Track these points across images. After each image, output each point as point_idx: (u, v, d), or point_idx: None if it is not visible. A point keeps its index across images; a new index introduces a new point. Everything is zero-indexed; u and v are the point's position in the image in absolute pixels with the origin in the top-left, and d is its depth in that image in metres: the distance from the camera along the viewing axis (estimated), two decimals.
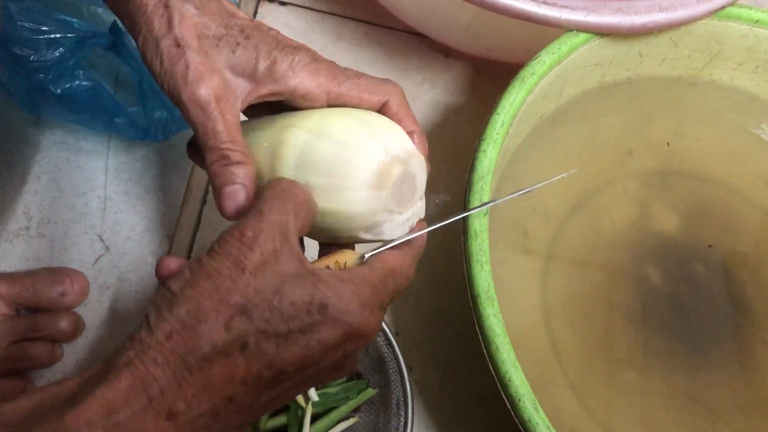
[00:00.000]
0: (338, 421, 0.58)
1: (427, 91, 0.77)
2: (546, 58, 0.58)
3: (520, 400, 0.48)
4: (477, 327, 0.50)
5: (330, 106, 0.40)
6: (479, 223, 0.52)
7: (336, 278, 0.32)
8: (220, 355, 0.29)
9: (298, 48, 0.39)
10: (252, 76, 0.38)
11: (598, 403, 0.58)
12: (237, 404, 0.30)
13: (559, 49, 0.58)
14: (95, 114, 0.54)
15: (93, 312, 0.56)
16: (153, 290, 0.57)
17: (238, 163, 0.36)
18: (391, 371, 0.60)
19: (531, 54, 0.59)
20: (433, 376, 0.65)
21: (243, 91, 0.38)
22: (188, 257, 0.67)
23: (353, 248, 0.40)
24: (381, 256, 0.36)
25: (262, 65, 0.38)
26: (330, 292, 0.32)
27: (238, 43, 0.38)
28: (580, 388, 0.59)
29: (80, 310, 0.55)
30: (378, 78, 0.41)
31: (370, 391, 0.60)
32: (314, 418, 0.57)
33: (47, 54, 0.51)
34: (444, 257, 0.69)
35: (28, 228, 0.57)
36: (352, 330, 0.32)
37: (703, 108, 0.70)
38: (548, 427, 0.47)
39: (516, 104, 0.56)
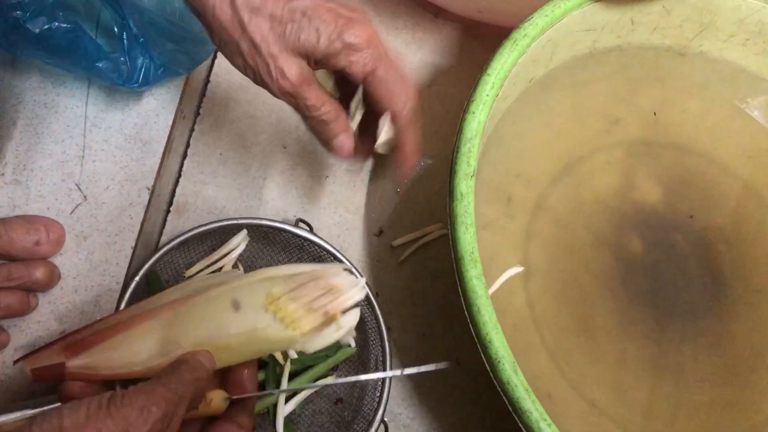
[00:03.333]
0: (316, 379, 0.58)
1: (416, 51, 0.76)
2: (539, 21, 0.57)
3: (499, 361, 0.48)
4: (459, 288, 0.50)
5: (366, 84, 0.48)
6: (465, 185, 0.52)
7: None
8: None
9: (352, 21, 0.45)
10: (313, 55, 0.45)
11: (575, 369, 0.59)
12: None
13: (553, 11, 0.57)
14: (75, 57, 0.52)
15: (69, 262, 0.54)
16: (131, 242, 0.56)
17: (334, 119, 0.47)
18: (370, 331, 0.60)
19: (521, 18, 0.58)
20: (412, 337, 0.65)
21: (322, 50, 0.45)
22: (168, 210, 0.65)
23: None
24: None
25: (322, 48, 0.44)
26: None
27: (301, 28, 0.43)
28: (557, 354, 0.59)
29: (56, 260, 0.54)
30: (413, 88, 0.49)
31: (349, 350, 0.60)
32: (292, 376, 0.57)
33: None
34: (426, 218, 0.68)
35: (2, 174, 0.55)
36: None
37: (691, 79, 0.70)
38: (526, 389, 0.47)
39: (507, 66, 0.55)
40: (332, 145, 0.48)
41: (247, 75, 0.47)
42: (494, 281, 0.59)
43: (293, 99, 0.46)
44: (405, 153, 0.51)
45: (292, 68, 0.44)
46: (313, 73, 0.46)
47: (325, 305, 0.43)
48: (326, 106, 0.47)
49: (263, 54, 0.44)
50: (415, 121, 0.50)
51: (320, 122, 0.47)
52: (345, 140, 0.48)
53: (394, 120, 0.49)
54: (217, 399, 0.42)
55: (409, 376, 0.64)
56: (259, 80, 0.46)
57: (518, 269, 0.61)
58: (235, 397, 0.42)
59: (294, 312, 0.42)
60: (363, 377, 0.53)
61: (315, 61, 0.46)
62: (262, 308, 0.42)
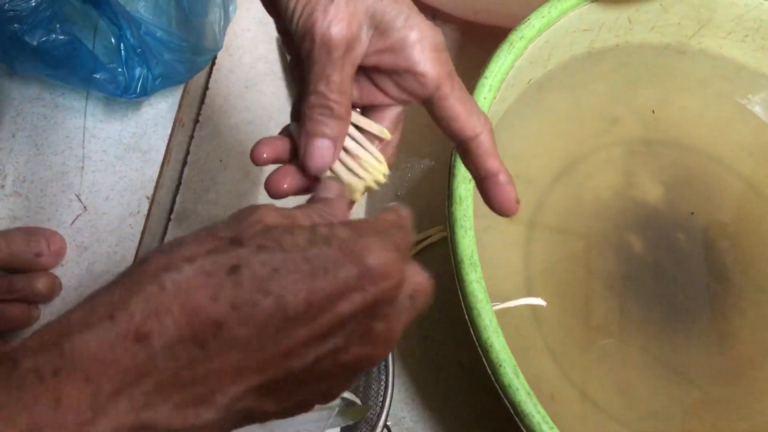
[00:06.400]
0: None
1: None
2: (535, 22, 0.57)
3: (501, 365, 0.48)
4: (459, 292, 0.50)
5: (430, 103, 0.37)
6: (464, 188, 0.52)
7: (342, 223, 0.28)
8: (200, 273, 0.25)
9: (430, 27, 0.36)
10: (383, 34, 0.35)
11: (577, 370, 0.59)
12: (230, 336, 0.24)
13: (549, 12, 0.57)
14: (73, 69, 0.53)
15: (70, 273, 0.55)
16: (132, 251, 0.56)
17: (338, 117, 0.36)
18: None
19: (518, 19, 0.58)
20: (414, 341, 0.65)
21: (366, 46, 0.35)
22: (168, 219, 0.66)
23: None
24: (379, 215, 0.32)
25: (398, 29, 0.35)
26: (337, 227, 0.27)
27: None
28: (559, 355, 0.59)
29: (57, 271, 0.54)
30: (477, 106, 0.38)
31: None
32: None
33: (22, 3, 0.49)
34: (427, 221, 0.68)
35: (2, 186, 0.55)
36: (369, 268, 0.26)
37: (691, 77, 0.70)
38: (528, 393, 0.47)
39: (504, 68, 0.55)
40: (310, 144, 0.36)
41: (293, 6, 0.35)
42: (494, 285, 0.59)
43: (324, 56, 0.35)
44: (500, 184, 0.39)
45: (353, 23, 0.34)
46: (361, 56, 0.36)
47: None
48: (343, 97, 0.35)
49: None
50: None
51: (323, 106, 0.35)
52: (327, 148, 0.36)
53: (474, 144, 0.38)
54: None
55: (412, 378, 0.64)
56: (308, 13, 0.34)
57: (540, 301, 0.60)
58: None
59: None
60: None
61: (375, 52, 0.36)
62: None
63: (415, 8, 0.36)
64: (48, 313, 0.53)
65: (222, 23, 0.61)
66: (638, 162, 0.67)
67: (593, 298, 0.62)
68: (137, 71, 0.54)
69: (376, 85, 0.38)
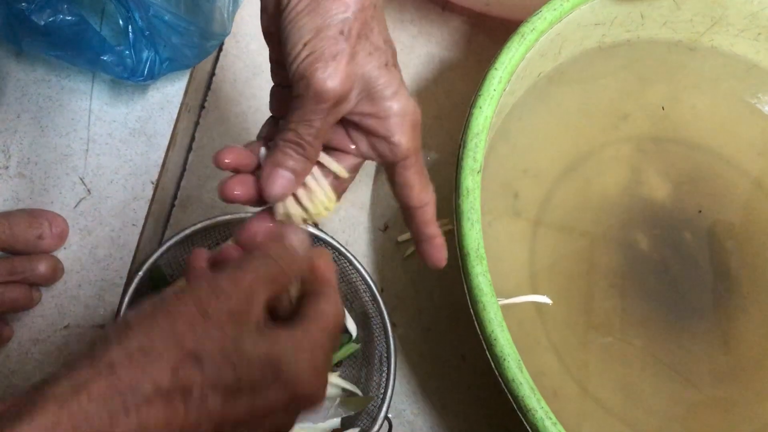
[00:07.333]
0: None
1: (422, 45, 0.75)
2: (547, 15, 0.56)
3: (504, 359, 0.47)
4: (464, 285, 0.50)
5: (393, 168, 0.40)
6: (472, 181, 0.51)
7: (293, 342, 0.32)
8: (161, 398, 0.28)
9: (413, 104, 0.39)
10: (372, 101, 0.38)
11: (581, 367, 0.59)
12: None
13: (562, 5, 0.57)
14: (80, 50, 0.52)
15: (73, 256, 0.54)
16: (136, 237, 0.56)
17: (307, 158, 0.38)
18: (374, 327, 0.59)
19: (529, 11, 0.57)
20: (416, 333, 0.65)
21: (353, 105, 0.38)
22: (172, 205, 0.65)
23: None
24: (318, 309, 0.35)
25: (386, 99, 0.38)
26: (286, 356, 0.31)
27: (386, 64, 0.38)
28: (562, 351, 0.59)
29: (60, 254, 0.54)
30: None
31: (353, 346, 0.59)
32: None
33: None
34: None
35: (7, 167, 0.55)
36: (301, 396, 0.31)
37: (701, 74, 0.69)
38: (532, 388, 0.47)
39: (515, 60, 0.54)
40: (274, 173, 0.38)
41: (296, 51, 0.36)
42: (499, 280, 0.59)
43: (312, 103, 0.36)
44: (437, 246, 0.43)
45: (348, 82, 0.36)
46: (346, 111, 0.38)
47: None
48: (317, 141, 0.38)
49: (342, 46, 0.36)
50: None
51: (297, 143, 0.37)
52: (289, 180, 0.38)
53: (420, 212, 0.42)
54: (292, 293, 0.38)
55: (414, 370, 0.64)
56: (311, 60, 0.36)
57: (546, 299, 0.60)
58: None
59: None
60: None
61: (359, 112, 0.38)
62: None
63: (404, 84, 0.39)
64: (49, 296, 0.53)
65: (231, 8, 0.60)
66: (647, 159, 0.67)
67: (598, 295, 0.62)
68: (145, 54, 0.54)
69: (350, 136, 0.40)
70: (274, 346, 0.31)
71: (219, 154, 0.39)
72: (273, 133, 0.40)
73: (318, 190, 0.40)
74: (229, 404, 0.29)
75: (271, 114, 0.43)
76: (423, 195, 0.41)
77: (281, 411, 0.31)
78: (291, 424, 0.33)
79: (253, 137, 0.66)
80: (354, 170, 0.42)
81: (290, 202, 0.39)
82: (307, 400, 0.32)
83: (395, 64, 0.38)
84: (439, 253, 0.43)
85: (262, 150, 0.40)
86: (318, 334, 0.33)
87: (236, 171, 0.40)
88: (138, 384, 0.27)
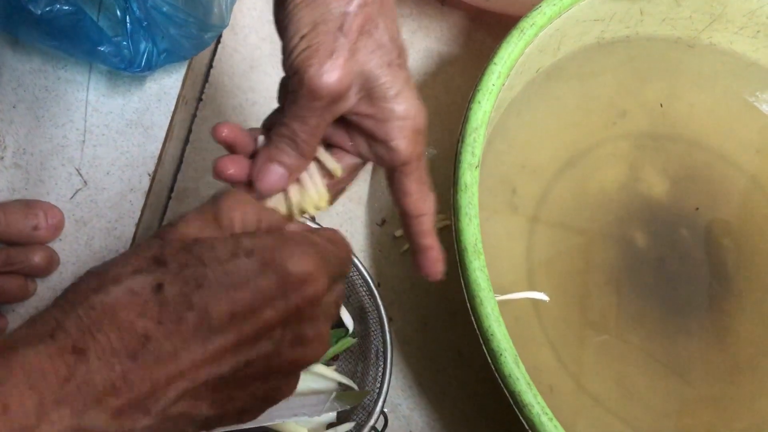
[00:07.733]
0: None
1: (421, 40, 0.75)
2: (547, 10, 0.56)
3: (501, 354, 0.47)
4: (462, 280, 0.50)
5: (392, 174, 0.39)
6: (470, 176, 0.51)
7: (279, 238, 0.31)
8: (126, 293, 0.27)
9: (417, 106, 0.37)
10: (372, 101, 0.36)
11: (577, 363, 0.59)
12: (157, 347, 0.26)
13: (561, 1, 0.57)
14: (77, 41, 0.52)
15: (69, 247, 0.54)
16: (132, 228, 0.56)
17: (302, 154, 0.37)
18: (371, 321, 0.59)
19: (528, 6, 0.57)
20: (413, 328, 0.65)
21: (353, 104, 0.36)
22: (169, 197, 0.65)
23: None
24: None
25: (388, 100, 0.36)
26: (261, 237, 0.30)
27: (390, 64, 0.36)
28: (559, 347, 0.59)
29: (56, 246, 0.54)
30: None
31: (350, 340, 0.59)
32: None
33: None
34: None
35: (2, 158, 0.55)
36: (290, 276, 0.29)
37: (700, 72, 0.69)
38: (528, 383, 0.47)
39: (514, 55, 0.54)
40: (266, 167, 0.37)
41: (293, 45, 0.35)
42: (496, 275, 0.59)
43: (307, 100, 0.35)
44: (433, 257, 0.41)
45: (346, 79, 0.34)
46: (342, 110, 0.37)
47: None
48: (312, 138, 0.36)
49: (340, 41, 0.34)
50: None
51: (291, 139, 0.36)
52: (281, 176, 0.37)
53: (417, 221, 0.40)
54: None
55: (410, 365, 0.64)
56: (307, 55, 0.34)
57: (543, 296, 0.60)
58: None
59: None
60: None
61: (358, 111, 0.37)
62: None
63: (410, 83, 0.37)
64: (45, 287, 0.53)
65: (229, 0, 0.60)
66: (644, 156, 0.67)
67: (594, 292, 0.62)
68: (142, 45, 0.53)
69: (349, 136, 0.39)
70: (240, 238, 0.30)
71: (217, 126, 0.38)
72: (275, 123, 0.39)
73: (310, 187, 0.39)
74: (207, 290, 0.28)
75: (279, 105, 0.41)
76: (420, 204, 0.39)
77: (278, 300, 0.29)
78: (319, 335, 0.31)
79: None
80: (353, 171, 0.40)
81: (279, 196, 0.38)
82: (303, 282, 0.29)
83: (401, 65, 0.36)
84: (434, 266, 0.41)
85: (261, 138, 0.38)
86: (303, 236, 0.32)
87: (232, 150, 0.39)
88: (99, 286, 0.28)
